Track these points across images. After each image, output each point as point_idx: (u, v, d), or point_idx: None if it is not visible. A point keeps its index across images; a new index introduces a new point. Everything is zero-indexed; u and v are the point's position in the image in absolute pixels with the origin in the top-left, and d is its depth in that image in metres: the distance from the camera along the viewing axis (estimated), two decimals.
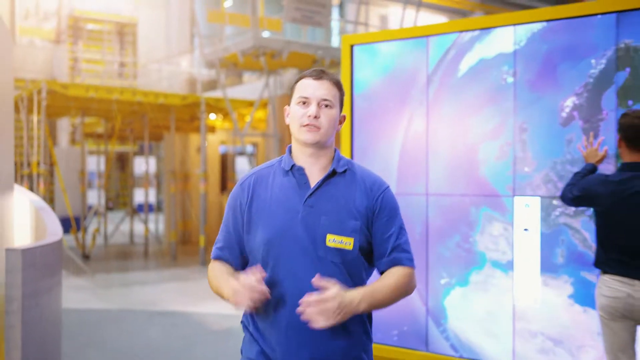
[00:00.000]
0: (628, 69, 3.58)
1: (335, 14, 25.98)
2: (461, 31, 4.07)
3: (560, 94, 3.75)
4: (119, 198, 24.20)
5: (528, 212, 3.84)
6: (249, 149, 14.56)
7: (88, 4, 21.97)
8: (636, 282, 2.87)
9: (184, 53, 21.20)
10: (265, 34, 9.61)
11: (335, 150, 2.02)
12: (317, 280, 1.80)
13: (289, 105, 2.02)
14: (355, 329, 1.93)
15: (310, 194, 1.93)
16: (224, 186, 13.70)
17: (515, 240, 3.87)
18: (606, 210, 2.99)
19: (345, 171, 1.98)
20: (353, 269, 1.94)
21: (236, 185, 2.07)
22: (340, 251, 1.90)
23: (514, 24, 3.92)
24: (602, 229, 3.04)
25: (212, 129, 12.83)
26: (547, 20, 3.83)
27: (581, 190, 3.07)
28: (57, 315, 4.51)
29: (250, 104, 10.62)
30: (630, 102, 3.56)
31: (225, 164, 14.18)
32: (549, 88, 3.79)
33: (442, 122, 4.14)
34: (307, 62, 9.37)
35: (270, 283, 1.89)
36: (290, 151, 2.03)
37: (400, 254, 1.97)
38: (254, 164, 12.39)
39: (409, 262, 1.98)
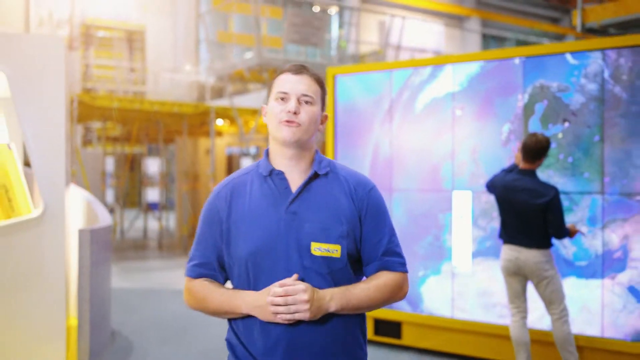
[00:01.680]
0: (545, 101, 4.83)
1: (334, 22, 27.15)
2: (416, 67, 5.35)
3: (499, 122, 5.01)
4: (127, 197, 25.43)
5: (465, 203, 5.11)
6: (253, 150, 15.83)
7: (99, 12, 23.07)
8: (522, 248, 4.15)
9: (190, 60, 22.40)
10: (268, 51, 10.85)
11: (316, 152, 1.91)
12: (290, 279, 1.74)
13: (266, 104, 1.90)
14: (350, 342, 1.85)
15: (292, 200, 1.82)
16: None
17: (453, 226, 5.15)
18: (500, 199, 4.29)
19: (327, 173, 1.88)
20: (340, 280, 1.82)
21: (211, 196, 1.94)
22: (327, 260, 1.79)
23: (453, 63, 5.20)
24: (501, 213, 4.33)
25: (219, 133, 14.10)
26: (479, 61, 5.10)
27: (489, 182, 4.40)
28: (108, 282, 5.77)
29: (254, 111, 11.88)
30: (550, 125, 4.81)
31: (232, 164, 15.44)
32: (490, 118, 5.05)
33: (407, 147, 5.41)
34: None
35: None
36: (267, 155, 1.91)
37: (392, 258, 1.88)
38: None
39: (400, 266, 1.89)
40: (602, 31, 7.79)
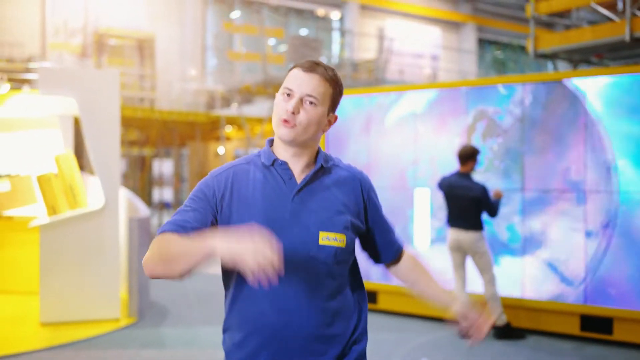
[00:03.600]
0: (485, 121, 6.33)
1: (336, 29, 28.62)
2: (389, 92, 6.87)
3: (451, 136, 6.52)
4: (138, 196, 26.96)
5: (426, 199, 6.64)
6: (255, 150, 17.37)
7: (111, 21, 24.47)
8: (461, 231, 5.66)
9: (197, 67, 23.85)
10: (272, 68, 12.38)
11: (318, 148, 1.91)
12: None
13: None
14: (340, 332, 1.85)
15: (299, 190, 1.82)
16: None
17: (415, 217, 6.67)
18: (446, 194, 5.80)
19: (331, 167, 1.90)
20: (341, 269, 1.86)
21: (208, 176, 1.88)
22: (333, 249, 1.80)
23: (418, 90, 6.72)
24: (447, 205, 5.85)
25: (228, 138, 15.64)
26: (437, 88, 6.62)
27: (439, 182, 5.92)
28: None
29: (259, 120, 13.41)
30: (488, 139, 6.31)
31: None
32: (445, 134, 6.56)
33: (381, 154, 6.93)
34: None
35: (257, 291, 1.77)
36: (270, 144, 1.90)
37: (400, 241, 2.05)
38: None
39: (405, 245, 2.07)
40: (552, 56, 9.32)
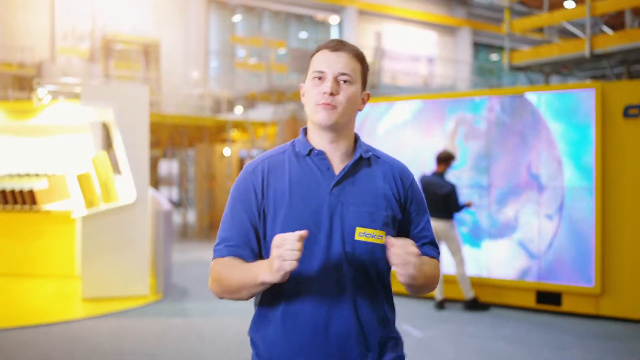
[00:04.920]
0: (464, 127, 7.46)
1: (335, 34, 29.75)
2: (385, 102, 8.01)
3: (436, 141, 7.64)
4: None
5: None
6: (257, 152, 18.49)
7: (118, 26, 25.51)
8: (435, 220, 6.76)
9: (200, 69, 24.92)
10: (275, 77, 13.52)
11: (357, 136, 1.81)
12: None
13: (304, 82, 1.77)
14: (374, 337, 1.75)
15: (337, 182, 1.71)
16: None
17: None
18: (423, 190, 6.92)
19: (369, 158, 1.79)
20: (379, 268, 1.75)
21: (243, 172, 1.79)
22: (369, 246, 1.70)
23: (403, 100, 7.86)
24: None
25: (233, 140, 16.77)
26: (422, 99, 7.77)
27: (419, 178, 7.01)
28: (171, 249, 8.38)
29: (262, 124, 14.55)
30: (469, 142, 7.44)
31: (243, 165, 18.15)
32: (431, 138, 7.69)
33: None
34: None
35: (293, 285, 1.68)
36: (305, 133, 1.79)
37: (432, 247, 1.86)
38: None
39: (437, 254, 1.86)
40: (525, 68, 10.46)
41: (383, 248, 1.69)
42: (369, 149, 1.83)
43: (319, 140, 1.76)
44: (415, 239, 1.81)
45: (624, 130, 6.46)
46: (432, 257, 1.86)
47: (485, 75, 28.40)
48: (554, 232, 6.77)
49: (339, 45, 1.72)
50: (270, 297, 1.73)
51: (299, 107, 13.56)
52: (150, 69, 26.42)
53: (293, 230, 1.59)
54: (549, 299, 6.84)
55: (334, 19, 30.18)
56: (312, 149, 1.75)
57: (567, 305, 6.73)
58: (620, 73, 9.92)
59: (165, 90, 25.14)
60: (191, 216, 19.28)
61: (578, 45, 9.22)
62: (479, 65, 27.51)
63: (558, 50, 9.58)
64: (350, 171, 1.75)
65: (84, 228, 7.33)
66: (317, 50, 1.77)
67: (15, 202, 8.81)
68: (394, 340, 1.81)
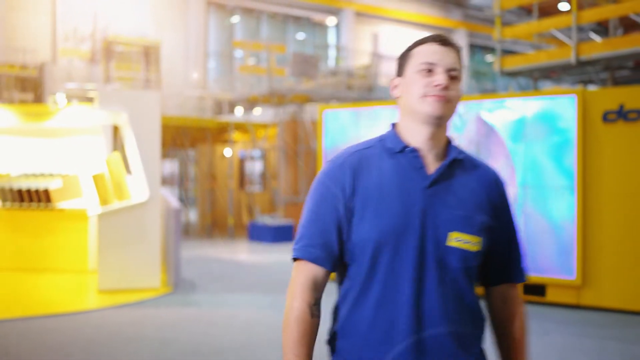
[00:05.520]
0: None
1: (332, 36, 30.31)
2: (374, 106, 8.53)
3: None
4: None
5: None
6: (257, 153, 19.00)
7: (118, 28, 25.98)
8: None
9: (200, 71, 25.38)
10: (276, 80, 14.02)
11: (449, 137, 1.69)
12: None
13: (399, 76, 1.67)
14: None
15: (432, 182, 1.60)
16: (241, 183, 18.16)
17: None
18: None
19: (463, 159, 1.67)
20: (470, 280, 1.63)
21: (330, 166, 1.67)
22: (463, 253, 1.58)
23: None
24: None
25: (234, 141, 17.26)
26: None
27: None
28: (180, 245, 8.89)
29: (263, 126, 15.04)
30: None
31: (242, 165, 18.62)
32: None
33: None
34: (303, 100, 13.82)
35: (382, 293, 1.58)
36: (394, 128, 1.68)
37: (519, 268, 1.74)
38: (265, 166, 16.79)
39: (523, 277, 1.74)
40: (516, 73, 10.99)
41: (476, 256, 1.61)
42: (462, 150, 1.69)
43: (416, 135, 1.64)
44: (502, 253, 1.72)
45: (603, 134, 6.98)
46: (515, 283, 1.78)
47: (480, 79, 29.01)
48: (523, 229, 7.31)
49: (447, 40, 1.65)
50: (355, 301, 1.62)
51: (299, 109, 14.06)
52: (151, 70, 26.91)
53: (380, 230, 1.56)
54: (534, 291, 7.36)
55: (331, 21, 30.73)
56: (405, 146, 1.64)
57: (551, 296, 7.25)
58: (605, 79, 10.46)
59: (166, 91, 25.60)
60: (192, 215, 19.76)
61: (565, 52, 9.74)
62: (473, 69, 28.08)
63: (546, 56, 10.10)
64: (446, 171, 1.63)
65: (101, 224, 7.82)
66: (420, 43, 1.66)
67: (31, 201, 9.31)
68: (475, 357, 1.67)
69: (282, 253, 12.06)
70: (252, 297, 7.84)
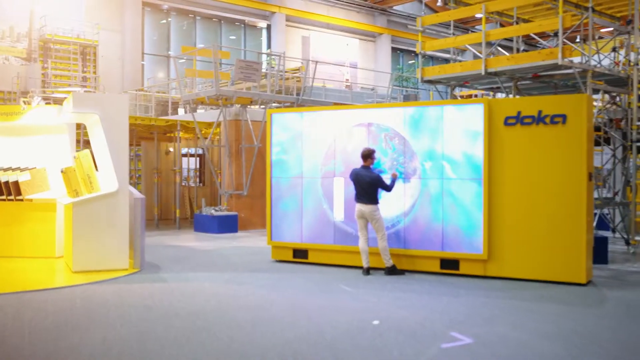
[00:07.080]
0: (382, 130, 9.38)
1: (264, 38, 31.49)
2: (320, 110, 9.86)
3: (362, 142, 9.55)
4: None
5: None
6: (199, 150, 20.02)
7: (55, 28, 26.40)
8: (363, 204, 8.69)
9: (136, 70, 26.05)
10: (221, 84, 15.12)
11: None
12: None
13: None
14: None
15: None
16: (186, 178, 19.16)
17: (336, 196, 9.68)
18: (353, 180, 8.84)
19: None
20: None
21: None
22: None
23: (334, 110, 9.74)
24: (354, 187, 8.88)
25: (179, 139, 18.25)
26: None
27: (351, 173, 8.92)
28: (144, 231, 9.95)
29: (209, 124, 16.12)
30: (390, 142, 9.38)
31: (188, 162, 19.61)
32: (355, 141, 9.58)
33: (314, 154, 9.91)
34: (247, 101, 15.01)
35: None
36: None
37: None
38: (206, 162, 17.85)
39: None
40: (435, 82, 12.54)
41: None
42: None
43: None
44: None
45: (504, 135, 8.53)
46: None
47: (402, 83, 30.98)
48: (411, 205, 8.84)
49: None
50: None
51: (242, 110, 15.23)
52: (88, 69, 27.42)
53: None
54: (449, 265, 8.86)
55: (263, 24, 32.07)
56: None
57: (463, 269, 8.77)
58: (509, 86, 12.15)
59: (105, 90, 26.16)
60: None
61: (475, 65, 11.35)
62: (397, 76, 29.95)
63: (460, 68, 11.69)
64: None
65: (75, 212, 8.83)
66: None
67: (1, 193, 10.17)
68: None
69: (229, 240, 13.24)
70: (212, 274, 9.02)
